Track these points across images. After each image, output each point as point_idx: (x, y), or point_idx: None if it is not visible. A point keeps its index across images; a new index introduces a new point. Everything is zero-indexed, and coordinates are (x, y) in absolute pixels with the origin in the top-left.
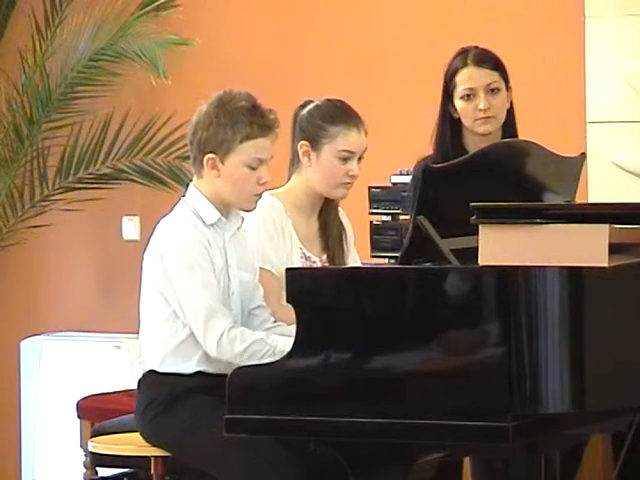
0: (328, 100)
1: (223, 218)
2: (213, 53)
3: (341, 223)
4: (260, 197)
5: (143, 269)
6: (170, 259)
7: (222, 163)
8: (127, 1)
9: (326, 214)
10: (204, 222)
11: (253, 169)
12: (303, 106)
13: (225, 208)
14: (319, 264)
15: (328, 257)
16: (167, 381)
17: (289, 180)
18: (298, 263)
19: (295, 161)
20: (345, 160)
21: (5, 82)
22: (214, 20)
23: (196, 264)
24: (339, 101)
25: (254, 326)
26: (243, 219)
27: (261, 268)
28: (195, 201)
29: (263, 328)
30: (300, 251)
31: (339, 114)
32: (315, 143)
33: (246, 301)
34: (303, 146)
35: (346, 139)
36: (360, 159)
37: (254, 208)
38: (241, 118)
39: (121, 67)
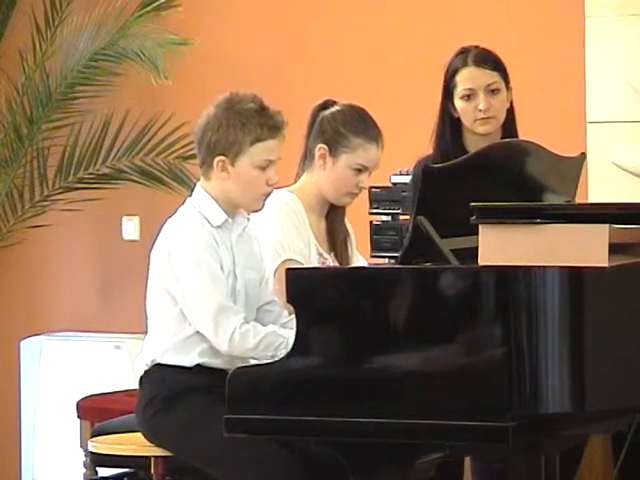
0: (352, 107)
1: (230, 219)
2: (213, 53)
3: (346, 229)
4: (267, 197)
5: (150, 269)
6: (178, 258)
7: (232, 165)
8: (127, 1)
9: (333, 217)
10: (211, 223)
11: (262, 170)
12: (324, 107)
13: (232, 209)
14: (331, 262)
15: (336, 257)
16: (168, 378)
17: (299, 177)
18: (315, 259)
19: (308, 159)
20: (358, 172)
21: (5, 82)
22: (214, 20)
23: (204, 261)
24: (362, 110)
25: (268, 322)
26: (249, 220)
27: (289, 260)
28: (202, 202)
29: (278, 323)
30: (315, 248)
31: (362, 125)
32: (334, 149)
33: (252, 299)
34: (321, 149)
35: (366, 153)
36: (370, 173)
37: (262, 208)
38: (250, 120)
39: (121, 67)
